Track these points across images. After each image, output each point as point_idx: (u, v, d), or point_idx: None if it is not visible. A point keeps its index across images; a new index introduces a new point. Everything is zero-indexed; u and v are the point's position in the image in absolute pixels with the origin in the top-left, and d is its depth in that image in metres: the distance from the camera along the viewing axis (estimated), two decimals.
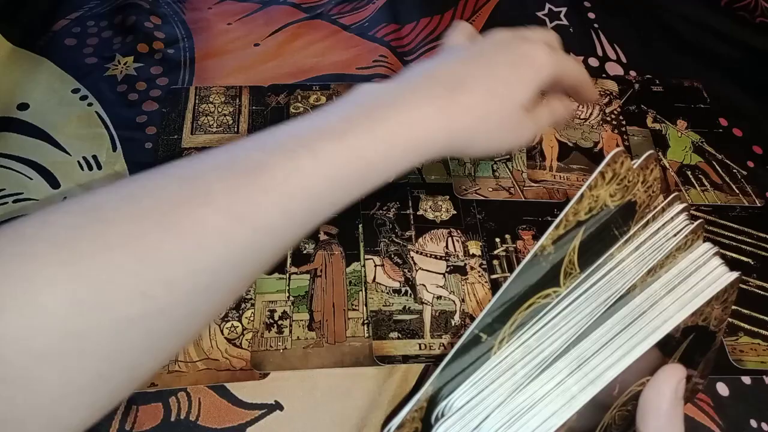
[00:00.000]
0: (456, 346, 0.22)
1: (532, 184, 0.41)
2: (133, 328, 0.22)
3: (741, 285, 0.37)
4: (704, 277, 0.24)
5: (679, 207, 0.25)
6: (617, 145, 0.44)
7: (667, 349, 0.23)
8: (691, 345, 0.24)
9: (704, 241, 0.25)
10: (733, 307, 0.36)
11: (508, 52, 0.34)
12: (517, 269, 0.22)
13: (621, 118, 0.46)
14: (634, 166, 0.24)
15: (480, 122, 0.32)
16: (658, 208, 0.24)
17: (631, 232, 0.24)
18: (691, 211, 0.41)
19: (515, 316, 0.22)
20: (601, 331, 0.22)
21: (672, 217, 0.24)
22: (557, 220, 0.22)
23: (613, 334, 0.22)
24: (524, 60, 0.33)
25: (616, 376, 0.21)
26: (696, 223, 0.24)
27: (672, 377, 0.22)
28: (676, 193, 0.25)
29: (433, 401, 0.22)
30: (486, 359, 0.22)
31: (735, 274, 0.24)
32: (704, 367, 0.27)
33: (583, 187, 0.23)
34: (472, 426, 0.21)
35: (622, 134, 0.45)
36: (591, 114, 0.46)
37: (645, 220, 0.24)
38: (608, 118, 0.46)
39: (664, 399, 0.21)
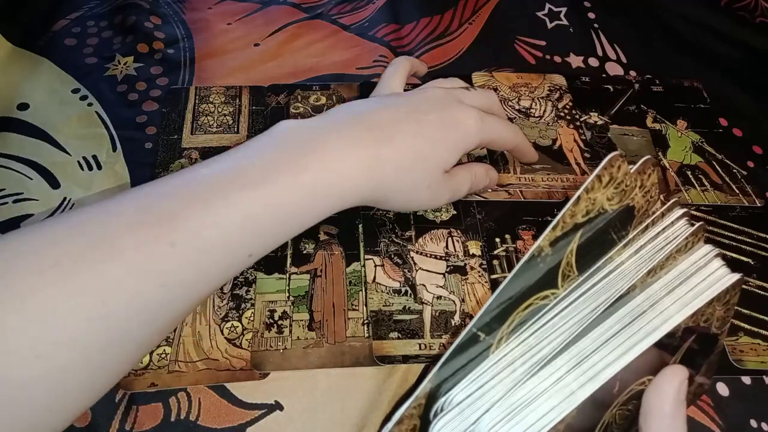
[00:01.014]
0: (454, 344, 0.22)
1: (499, 188, 0.40)
2: (29, 389, 0.21)
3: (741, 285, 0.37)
4: (705, 278, 0.24)
5: (679, 212, 0.25)
6: (575, 140, 0.44)
7: (667, 349, 0.23)
8: (693, 347, 0.24)
9: (705, 243, 0.25)
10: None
11: (440, 112, 0.33)
12: (515, 270, 0.22)
13: (574, 111, 0.46)
14: (631, 171, 0.24)
15: (401, 178, 0.32)
16: (658, 213, 0.24)
17: (630, 236, 0.24)
18: (692, 211, 0.41)
19: (513, 316, 0.22)
20: (600, 330, 0.22)
21: (672, 222, 0.24)
22: (554, 222, 0.22)
23: (612, 333, 0.22)
24: (454, 124, 0.33)
25: (616, 373, 0.21)
26: (696, 225, 0.24)
27: (674, 378, 0.22)
28: (675, 198, 0.25)
29: (431, 398, 0.22)
30: (485, 357, 0.22)
31: (736, 276, 0.24)
32: (707, 369, 0.27)
33: (580, 190, 0.23)
34: (470, 421, 0.21)
35: (578, 128, 0.45)
36: (544, 111, 0.46)
37: (644, 224, 0.24)
38: (561, 114, 0.46)
39: (667, 400, 0.21)
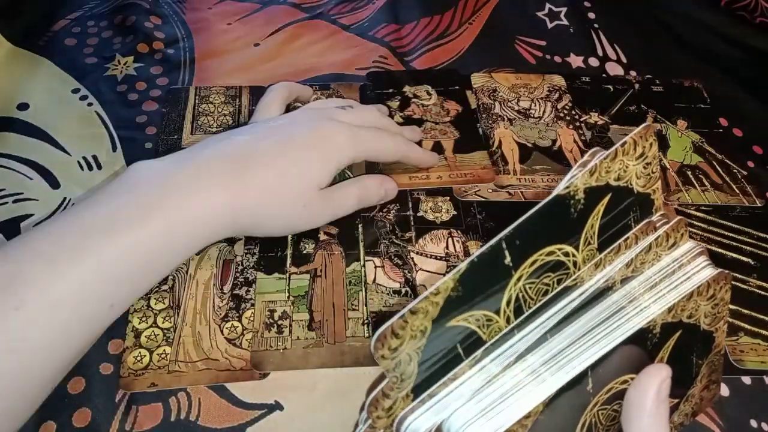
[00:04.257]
0: (476, 253, 0.21)
1: (500, 189, 0.40)
2: None
3: (741, 285, 0.37)
4: (686, 274, 0.24)
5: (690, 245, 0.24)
6: (574, 141, 0.44)
7: (645, 345, 0.23)
8: (680, 344, 0.24)
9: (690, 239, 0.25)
10: (733, 307, 0.36)
11: (307, 131, 0.33)
12: (548, 199, 0.21)
13: (574, 111, 0.46)
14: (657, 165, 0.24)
15: (267, 201, 0.31)
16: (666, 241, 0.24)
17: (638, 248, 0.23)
18: (688, 211, 0.41)
19: (536, 256, 0.22)
20: (575, 326, 0.22)
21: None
22: (590, 165, 0.22)
23: (587, 329, 0.22)
24: (321, 140, 0.33)
25: (586, 368, 0.21)
26: (677, 219, 0.24)
27: (656, 377, 0.22)
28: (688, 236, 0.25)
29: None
30: (503, 282, 0.21)
31: (715, 270, 0.24)
32: (711, 371, 0.27)
33: (617, 145, 0.22)
34: (442, 416, 0.21)
35: (577, 129, 0.45)
36: (544, 112, 0.46)
37: (648, 243, 0.24)
38: (561, 114, 0.46)
39: (648, 398, 0.21)
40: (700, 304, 0.24)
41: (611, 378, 0.22)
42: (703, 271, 0.24)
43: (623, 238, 0.23)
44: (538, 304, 0.22)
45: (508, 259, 0.21)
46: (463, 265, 0.20)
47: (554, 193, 0.22)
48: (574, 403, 0.22)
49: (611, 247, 0.23)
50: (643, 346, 0.23)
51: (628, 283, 0.23)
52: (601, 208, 0.23)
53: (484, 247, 0.21)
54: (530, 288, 0.22)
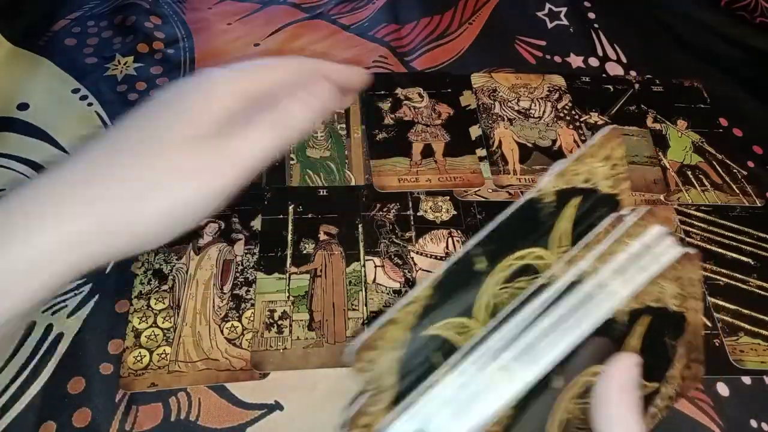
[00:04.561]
0: (452, 260, 0.21)
1: (500, 189, 0.41)
2: None
3: (741, 285, 0.37)
4: (656, 256, 0.24)
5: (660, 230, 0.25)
6: (574, 141, 0.44)
7: (613, 335, 0.23)
8: (652, 329, 0.24)
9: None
10: (733, 307, 0.36)
11: (175, 93, 0.26)
12: (519, 202, 0.22)
13: (574, 111, 0.46)
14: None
15: (158, 189, 0.23)
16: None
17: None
18: (688, 211, 0.41)
19: (510, 260, 0.22)
20: (547, 321, 0.22)
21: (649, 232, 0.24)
22: (559, 169, 0.22)
23: (559, 320, 0.22)
24: (188, 89, 0.27)
25: (553, 364, 0.21)
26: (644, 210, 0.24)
27: (621, 366, 0.22)
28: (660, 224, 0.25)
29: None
30: (478, 286, 0.22)
31: (678, 250, 0.24)
32: (688, 351, 0.27)
33: (582, 148, 0.23)
34: (421, 420, 0.21)
35: (578, 129, 0.45)
36: (544, 112, 0.46)
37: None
38: (561, 114, 0.46)
39: (612, 389, 0.21)
40: (665, 287, 0.24)
41: (580, 371, 0.22)
42: (670, 251, 0.24)
43: (593, 234, 0.24)
44: (512, 307, 0.22)
45: (482, 265, 0.21)
46: (438, 273, 0.20)
47: (525, 197, 0.22)
48: (545, 401, 0.22)
49: (581, 242, 0.23)
50: (610, 336, 0.23)
51: (599, 272, 0.23)
52: (572, 210, 0.23)
53: (459, 254, 0.21)
54: (505, 292, 0.22)
